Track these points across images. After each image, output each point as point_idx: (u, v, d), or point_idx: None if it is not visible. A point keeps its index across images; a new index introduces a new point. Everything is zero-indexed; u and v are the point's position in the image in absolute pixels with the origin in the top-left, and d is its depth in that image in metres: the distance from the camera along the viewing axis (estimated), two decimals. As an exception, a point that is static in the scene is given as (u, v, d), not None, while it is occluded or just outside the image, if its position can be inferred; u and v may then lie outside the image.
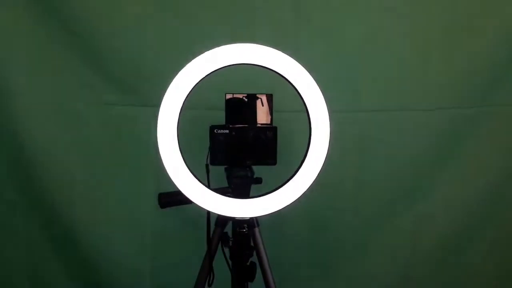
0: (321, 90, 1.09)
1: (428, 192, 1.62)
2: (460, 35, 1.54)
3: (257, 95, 1.15)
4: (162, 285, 1.65)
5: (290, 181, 1.05)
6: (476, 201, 1.64)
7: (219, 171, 1.14)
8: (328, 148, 1.10)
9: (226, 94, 1.14)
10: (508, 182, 1.63)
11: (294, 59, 1.06)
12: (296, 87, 1.04)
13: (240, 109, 1.14)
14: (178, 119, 1.02)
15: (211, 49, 1.04)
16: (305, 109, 1.05)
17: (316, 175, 1.05)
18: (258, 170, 1.16)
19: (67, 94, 1.55)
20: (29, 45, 1.51)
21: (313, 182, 1.06)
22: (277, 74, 1.04)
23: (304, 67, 1.07)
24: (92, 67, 1.52)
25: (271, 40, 1.43)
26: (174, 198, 1.06)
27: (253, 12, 1.49)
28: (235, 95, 1.14)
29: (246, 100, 1.14)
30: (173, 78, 1.04)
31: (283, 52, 1.06)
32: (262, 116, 1.14)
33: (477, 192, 1.63)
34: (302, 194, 1.05)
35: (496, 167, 1.62)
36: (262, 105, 1.14)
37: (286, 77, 1.04)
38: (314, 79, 1.09)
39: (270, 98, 1.14)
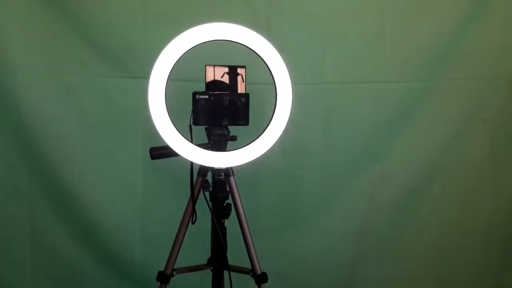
0: (290, 65, 1.26)
1: (383, 155, 1.82)
2: (416, 14, 1.72)
3: (237, 70, 1.31)
4: (152, 235, 1.81)
5: (258, 139, 1.26)
6: (424, 163, 1.84)
7: (200, 130, 1.33)
8: (295, 115, 1.28)
9: (206, 66, 1.32)
10: (451, 148, 1.83)
11: (265, 37, 1.25)
12: (263, 58, 1.24)
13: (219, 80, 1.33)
14: (166, 85, 1.21)
15: (192, 26, 1.21)
16: (272, 77, 1.25)
17: (280, 134, 1.26)
18: (236, 131, 1.33)
19: (63, 67, 1.68)
20: (28, 24, 1.63)
21: (277, 140, 1.27)
22: (250, 49, 1.24)
23: (274, 43, 1.25)
24: (86, 43, 1.66)
25: (245, 18, 1.64)
26: (163, 151, 1.25)
27: None
28: (214, 67, 1.31)
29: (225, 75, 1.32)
30: (158, 53, 1.21)
31: (255, 30, 1.24)
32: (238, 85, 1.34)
33: (426, 156, 1.84)
34: (268, 150, 1.26)
35: (443, 134, 1.83)
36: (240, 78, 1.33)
37: (256, 51, 1.24)
38: (284, 54, 1.26)
39: (243, 68, 1.33)
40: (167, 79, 1.22)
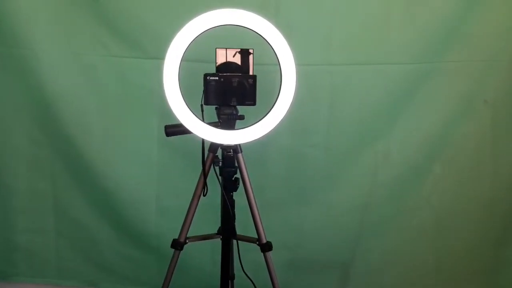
0: (298, 46, 1.32)
1: (387, 133, 1.88)
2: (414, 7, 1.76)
3: (247, 50, 1.36)
4: (166, 207, 1.92)
5: (264, 118, 1.34)
6: (426, 142, 1.89)
7: (211, 109, 1.40)
8: (302, 95, 1.33)
9: (217, 49, 1.38)
10: (453, 128, 1.87)
11: (273, 19, 1.31)
12: (269, 41, 1.31)
13: (229, 62, 1.39)
14: (179, 67, 1.30)
15: (204, 8, 1.28)
16: (277, 60, 1.32)
17: (284, 114, 1.33)
18: (244, 110, 1.39)
19: (83, 48, 1.79)
20: (50, 7, 1.73)
21: (282, 119, 1.34)
22: (257, 34, 1.31)
23: (283, 25, 1.31)
24: (104, 25, 1.75)
25: (256, 0, 1.70)
26: (177, 129, 1.34)
27: None
28: (224, 49, 1.38)
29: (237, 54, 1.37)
30: (172, 35, 1.28)
31: (264, 13, 1.31)
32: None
33: (428, 135, 1.89)
34: (274, 129, 1.34)
35: (445, 115, 1.87)
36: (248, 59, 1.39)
37: (263, 35, 1.31)
38: (292, 35, 1.31)
39: (251, 52, 1.39)
40: (180, 61, 1.30)
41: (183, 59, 1.30)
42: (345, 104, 1.87)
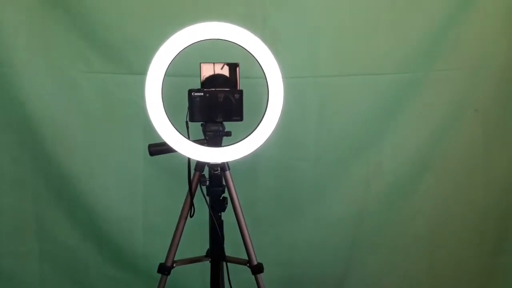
0: (285, 58, 1.28)
1: (377, 144, 1.85)
2: (406, 6, 1.74)
3: (233, 64, 1.33)
4: (154, 226, 1.86)
5: (251, 134, 1.29)
6: (418, 151, 1.87)
7: (197, 125, 1.35)
8: (291, 107, 1.31)
9: (201, 64, 1.33)
10: (444, 137, 1.86)
11: (260, 32, 1.28)
12: (257, 58, 1.26)
13: (214, 77, 1.34)
14: (162, 84, 1.24)
15: (189, 24, 1.23)
16: (264, 76, 1.27)
17: (272, 130, 1.29)
18: (232, 125, 1.34)
19: (65, 64, 1.72)
20: (30, 21, 1.66)
21: (271, 134, 1.29)
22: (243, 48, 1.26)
23: (269, 38, 1.27)
24: (86, 40, 1.69)
25: (241, 13, 1.68)
26: (161, 148, 1.28)
27: None
28: (209, 64, 1.33)
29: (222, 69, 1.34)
30: (156, 50, 1.23)
31: (249, 28, 1.26)
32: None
33: (419, 144, 1.86)
34: (261, 145, 1.29)
35: (435, 124, 1.85)
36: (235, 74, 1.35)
37: (249, 50, 1.26)
38: (279, 47, 1.25)
39: (237, 66, 1.34)
40: (164, 78, 1.25)
41: (168, 74, 1.26)
42: (334, 116, 1.83)
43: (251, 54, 1.26)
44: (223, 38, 1.25)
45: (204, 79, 1.34)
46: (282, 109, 1.29)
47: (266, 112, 1.30)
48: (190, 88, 1.32)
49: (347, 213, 1.92)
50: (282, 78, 1.28)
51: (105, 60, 1.73)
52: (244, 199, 1.44)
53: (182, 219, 1.39)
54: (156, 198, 1.86)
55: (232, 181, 1.38)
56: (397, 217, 1.94)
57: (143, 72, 1.25)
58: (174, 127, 1.27)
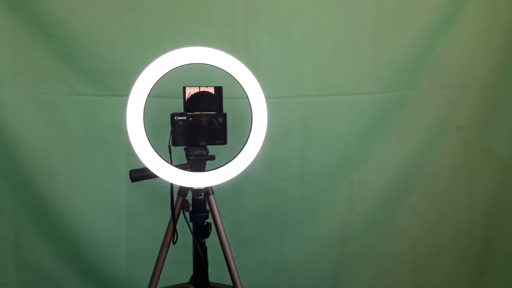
0: (268, 79, 1.27)
1: (361, 163, 1.84)
2: (388, 27, 1.75)
3: (217, 87, 1.32)
4: (137, 251, 1.80)
5: (235, 158, 1.28)
6: (401, 170, 1.86)
7: (181, 148, 1.34)
8: (275, 127, 1.30)
9: (185, 87, 1.32)
10: (427, 155, 1.86)
11: (243, 54, 1.29)
12: (241, 83, 1.26)
13: (197, 100, 1.33)
14: (144, 109, 1.22)
15: (173, 44, 1.22)
16: (248, 100, 1.27)
17: (256, 153, 1.28)
18: (216, 147, 1.33)
19: (46, 87, 1.67)
20: (11, 44, 1.62)
21: (254, 158, 1.28)
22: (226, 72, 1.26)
23: (253, 59, 1.28)
24: (68, 63, 1.65)
25: (224, 35, 1.66)
26: (143, 173, 1.26)
27: (209, 14, 1.65)
28: (192, 88, 1.32)
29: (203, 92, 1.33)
30: (139, 71, 1.21)
31: (232, 49, 1.27)
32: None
33: (402, 163, 1.86)
34: (246, 169, 1.28)
35: (418, 142, 1.85)
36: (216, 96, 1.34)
37: (233, 75, 1.26)
38: (262, 69, 1.24)
39: (220, 89, 1.34)
40: (145, 103, 1.23)
41: (152, 95, 1.24)
42: (318, 136, 1.82)
43: (234, 78, 1.26)
44: (206, 63, 1.25)
45: (187, 102, 1.32)
46: (266, 131, 1.29)
47: (250, 136, 1.29)
48: (173, 111, 1.31)
49: (333, 234, 1.90)
50: (266, 100, 1.27)
51: (87, 82, 1.68)
52: (229, 220, 1.43)
53: (164, 246, 1.35)
54: (140, 222, 1.81)
55: (216, 206, 1.35)
56: (382, 237, 1.92)
57: (126, 94, 1.23)
58: (156, 152, 1.25)
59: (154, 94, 1.25)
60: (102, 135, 1.73)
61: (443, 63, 1.79)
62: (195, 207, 1.31)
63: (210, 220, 1.36)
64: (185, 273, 1.49)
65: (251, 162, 1.29)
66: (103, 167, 1.76)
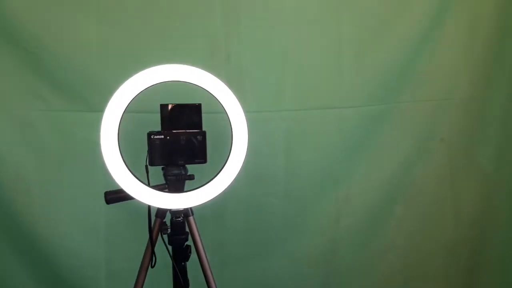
0: (251, 93, 1.25)
1: (345, 178, 1.80)
2: (369, 41, 1.73)
3: (195, 105, 1.28)
4: (117, 271, 1.73)
5: (215, 178, 1.23)
6: (386, 184, 1.83)
7: (158, 169, 1.29)
8: (258, 142, 1.30)
9: (162, 105, 1.27)
10: (411, 168, 1.84)
11: (224, 69, 1.31)
12: (220, 100, 1.22)
13: (175, 117, 1.28)
14: (119, 127, 1.17)
15: (151, 59, 1.18)
16: (228, 119, 1.22)
17: (238, 171, 1.23)
18: (200, 166, 1.28)
19: (20, 103, 1.60)
20: None
21: (236, 176, 1.23)
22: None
23: (234, 74, 1.26)
24: (42, 78, 1.59)
25: (204, 50, 1.62)
26: (118, 195, 1.20)
27: (189, 27, 1.61)
28: (170, 105, 1.27)
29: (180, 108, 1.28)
30: (116, 86, 1.16)
31: (211, 68, 1.22)
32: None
33: (387, 177, 1.83)
34: (227, 187, 1.23)
35: (402, 155, 1.83)
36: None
37: (212, 92, 1.22)
38: (244, 82, 1.22)
39: (199, 107, 1.29)
40: (120, 121, 1.17)
41: (128, 111, 1.19)
42: (301, 150, 1.77)
43: (214, 96, 1.22)
44: (184, 80, 1.21)
45: (164, 120, 1.27)
46: (248, 147, 1.25)
47: (231, 153, 1.24)
48: (153, 126, 1.26)
49: (318, 250, 1.85)
50: (247, 115, 1.23)
51: (63, 98, 1.62)
52: (212, 239, 1.40)
53: (142, 270, 1.29)
54: (120, 242, 1.74)
55: (197, 228, 1.30)
56: (369, 253, 1.89)
57: (103, 109, 1.18)
58: (131, 172, 1.19)
59: (132, 109, 1.20)
60: (79, 152, 1.66)
61: (427, 76, 1.79)
62: (174, 230, 1.25)
63: (190, 242, 1.30)
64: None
65: (233, 181, 1.24)
66: (80, 185, 1.68)
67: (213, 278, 1.32)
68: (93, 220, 1.71)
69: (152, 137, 1.23)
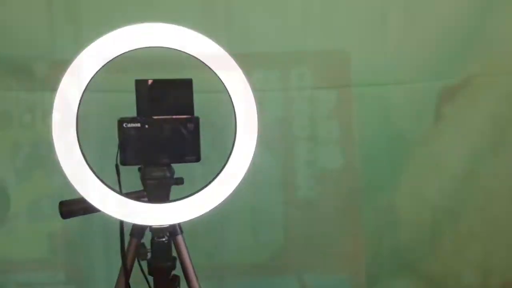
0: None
1: (388, 186, 1.83)
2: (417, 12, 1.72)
3: (184, 80, 1.19)
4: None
5: (214, 180, 1.14)
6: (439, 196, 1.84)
7: (133, 171, 1.21)
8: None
9: (137, 80, 1.18)
10: (468, 178, 1.84)
11: (223, 37, 1.17)
12: (219, 75, 1.12)
13: (157, 99, 1.20)
14: (77, 114, 1.07)
15: (130, 20, 1.09)
16: (234, 114, 1.14)
17: (244, 173, 1.15)
18: (192, 166, 1.20)
19: None
20: None
21: (242, 179, 1.15)
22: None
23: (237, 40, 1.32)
24: None
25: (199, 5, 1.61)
26: (77, 207, 1.12)
27: None
28: (149, 82, 1.19)
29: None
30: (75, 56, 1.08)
31: (205, 32, 1.12)
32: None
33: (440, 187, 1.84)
34: (230, 195, 1.15)
35: (466, 147, 1.82)
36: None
37: (207, 63, 1.11)
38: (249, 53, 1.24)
39: (189, 83, 1.19)
40: (80, 100, 1.09)
41: (95, 90, 1.13)
42: (330, 140, 1.80)
43: (211, 69, 1.13)
44: (168, 46, 1.12)
45: (142, 102, 1.19)
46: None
47: (234, 149, 1.16)
48: (123, 116, 1.18)
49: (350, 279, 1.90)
50: (255, 95, 1.15)
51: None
52: (209, 266, 1.52)
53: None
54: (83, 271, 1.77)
55: (187, 251, 1.23)
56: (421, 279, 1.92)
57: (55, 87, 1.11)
58: (96, 174, 1.11)
59: (97, 88, 1.14)
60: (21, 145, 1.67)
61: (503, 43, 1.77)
62: (156, 254, 1.18)
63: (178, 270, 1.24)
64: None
65: (237, 186, 1.16)
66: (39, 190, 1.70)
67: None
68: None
69: (124, 125, 1.15)
